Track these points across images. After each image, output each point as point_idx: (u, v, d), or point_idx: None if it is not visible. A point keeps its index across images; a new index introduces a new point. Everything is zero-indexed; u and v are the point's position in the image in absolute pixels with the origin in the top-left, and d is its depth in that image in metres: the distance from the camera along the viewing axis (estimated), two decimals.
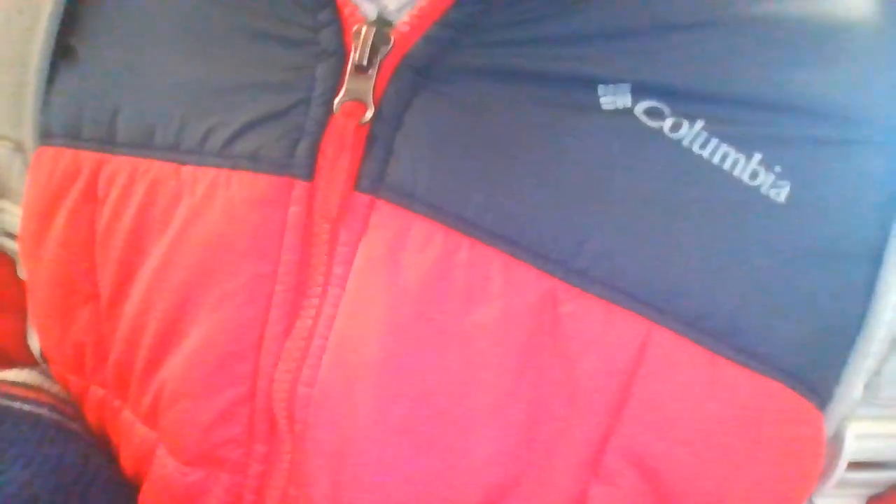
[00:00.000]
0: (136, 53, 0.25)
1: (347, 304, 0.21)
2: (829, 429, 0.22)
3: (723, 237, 0.20)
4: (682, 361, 0.20)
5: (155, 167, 0.24)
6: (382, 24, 0.22)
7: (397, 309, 0.20)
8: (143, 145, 0.24)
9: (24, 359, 0.31)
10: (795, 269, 0.20)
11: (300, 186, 0.22)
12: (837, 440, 0.22)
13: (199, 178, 0.23)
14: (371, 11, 0.22)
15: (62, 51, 0.27)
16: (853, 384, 0.21)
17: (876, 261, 0.21)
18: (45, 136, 0.27)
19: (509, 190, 0.20)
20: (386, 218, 0.21)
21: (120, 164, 0.25)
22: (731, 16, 0.21)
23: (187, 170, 0.23)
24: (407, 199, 0.21)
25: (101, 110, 0.26)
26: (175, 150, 0.24)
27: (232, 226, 0.22)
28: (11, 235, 0.30)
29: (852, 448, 0.22)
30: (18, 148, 0.28)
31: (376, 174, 0.21)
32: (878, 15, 0.22)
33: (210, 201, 0.23)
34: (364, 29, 0.21)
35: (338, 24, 0.22)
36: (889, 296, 0.21)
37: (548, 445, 0.21)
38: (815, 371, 0.21)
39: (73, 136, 0.26)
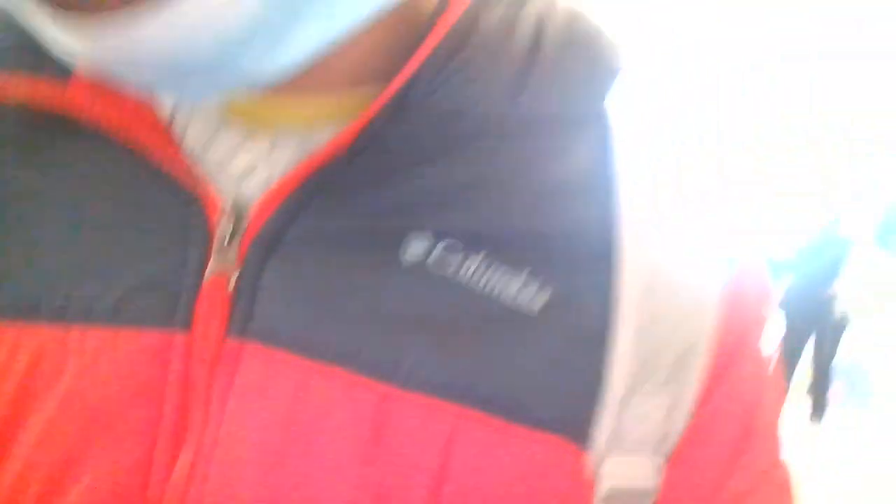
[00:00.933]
0: (8, 229, 0.28)
1: (224, 443, 0.26)
2: (591, 468, 0.29)
3: (505, 336, 0.27)
4: (486, 435, 0.27)
5: (41, 334, 0.27)
6: (240, 208, 0.27)
7: (267, 440, 0.25)
8: (28, 314, 0.27)
9: None
10: (553, 356, 0.28)
11: (179, 341, 0.26)
12: (596, 476, 0.29)
13: (85, 341, 0.26)
14: (231, 196, 0.27)
15: None
16: (604, 430, 0.28)
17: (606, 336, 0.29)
18: None
19: (344, 325, 0.26)
20: (253, 359, 0.26)
21: (3, 332, 0.27)
22: (504, 178, 0.28)
23: (74, 334, 0.26)
24: (270, 341, 0.26)
25: None
26: (61, 318, 0.27)
27: (118, 381, 0.26)
28: None
29: (607, 480, 0.29)
30: None
31: (242, 324, 0.26)
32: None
33: (97, 361, 0.26)
34: (225, 215, 0.27)
35: (204, 212, 0.27)
36: (620, 364, 0.28)
37: None
38: (580, 423, 0.28)
39: None
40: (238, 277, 0.27)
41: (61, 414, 0.26)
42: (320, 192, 0.27)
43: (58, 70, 0.27)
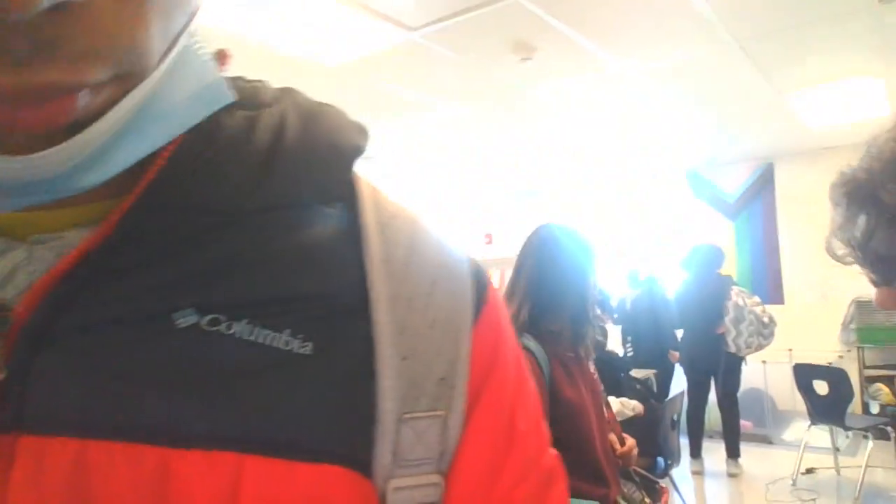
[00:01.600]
0: None
1: None
2: (378, 490, 0.32)
3: (276, 383, 0.31)
4: (270, 475, 0.29)
5: None
6: (4, 310, 0.29)
7: None
8: None
9: None
10: (325, 395, 0.32)
11: None
12: (383, 496, 0.33)
13: None
14: None
15: None
16: (383, 454, 0.32)
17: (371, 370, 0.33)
18: None
19: (119, 398, 0.28)
20: (27, 452, 0.27)
21: None
22: (257, 255, 0.33)
23: None
24: (43, 430, 0.28)
25: None
26: None
27: None
28: None
29: (393, 499, 0.33)
30: None
31: (14, 418, 0.28)
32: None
33: None
34: None
35: None
36: (388, 391, 0.33)
37: None
38: (358, 451, 0.32)
39: None
40: (7, 375, 0.28)
41: None
42: (82, 286, 0.29)
43: None
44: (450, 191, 6.76)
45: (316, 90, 0.38)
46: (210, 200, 0.31)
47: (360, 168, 0.38)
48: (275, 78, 0.39)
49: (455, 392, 0.35)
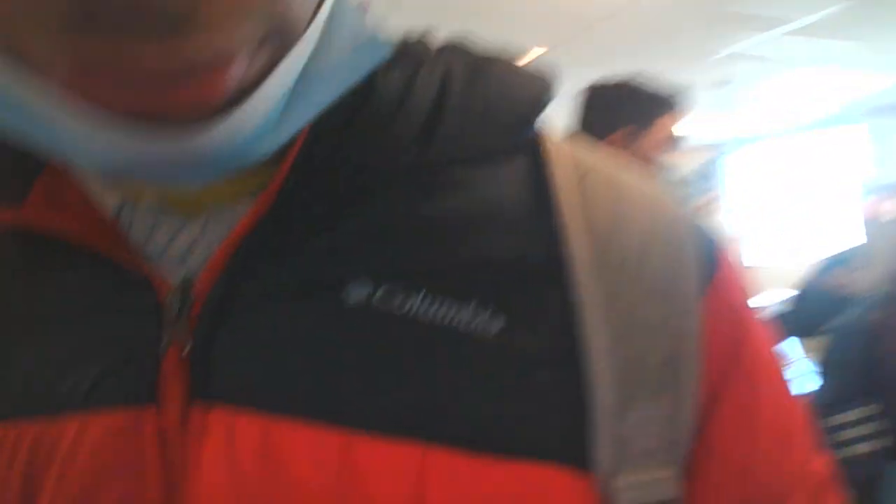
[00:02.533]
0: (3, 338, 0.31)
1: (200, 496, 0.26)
2: (601, 488, 0.28)
3: (461, 368, 0.28)
4: (457, 471, 0.26)
5: (34, 429, 0.28)
6: (186, 285, 0.29)
7: (240, 499, 0.26)
8: (21, 413, 0.29)
9: None
10: (521, 380, 0.28)
11: (147, 417, 0.27)
12: (608, 494, 0.28)
13: (66, 429, 0.28)
14: (178, 276, 0.29)
15: None
16: (604, 447, 0.28)
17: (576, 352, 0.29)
18: None
19: (300, 376, 0.27)
20: (219, 424, 0.27)
21: (6, 434, 0.29)
22: (429, 217, 0.30)
23: (58, 424, 0.28)
24: (232, 403, 0.27)
25: None
26: (47, 411, 0.29)
27: (97, 464, 0.27)
28: None
29: (625, 497, 0.28)
30: None
31: (203, 391, 0.27)
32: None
33: (78, 446, 0.28)
34: (172, 292, 0.29)
35: (155, 294, 0.29)
36: (602, 376, 0.28)
37: None
38: (571, 446, 0.28)
39: None
40: (191, 347, 0.28)
41: (54, 499, 0.28)
42: (255, 257, 0.29)
43: (9, 192, 0.31)
44: None
45: None
46: (370, 157, 0.29)
47: (550, 122, 0.34)
48: None
49: (683, 374, 0.30)
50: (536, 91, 0.33)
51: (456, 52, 0.34)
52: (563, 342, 0.29)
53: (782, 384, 0.33)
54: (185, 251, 0.30)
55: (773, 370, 0.33)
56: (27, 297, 0.32)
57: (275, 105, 0.25)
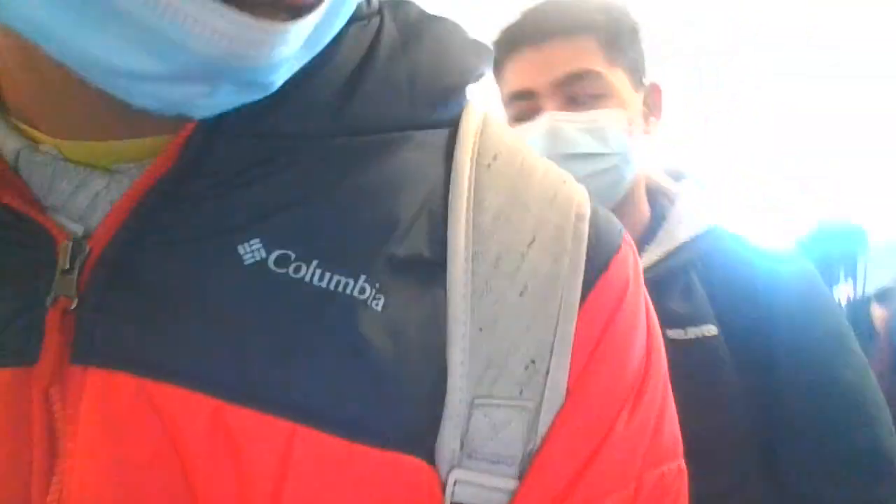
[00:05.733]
0: None
1: (81, 471, 0.26)
2: (441, 480, 0.28)
3: (343, 344, 0.27)
4: (323, 453, 0.26)
5: None
6: (83, 237, 0.28)
7: (112, 470, 0.26)
8: None
9: None
10: (398, 363, 0.28)
11: (33, 375, 0.27)
12: (444, 487, 0.28)
13: None
14: (76, 228, 0.29)
15: None
16: (448, 440, 0.28)
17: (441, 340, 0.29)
18: None
19: (184, 340, 0.27)
20: (94, 386, 0.27)
21: None
22: (337, 187, 0.29)
23: None
24: (110, 364, 0.27)
25: None
26: None
27: None
28: None
29: (453, 491, 0.28)
30: None
31: (85, 350, 0.27)
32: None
33: None
34: (67, 245, 0.28)
35: (52, 247, 0.28)
36: (459, 367, 0.28)
37: None
38: (423, 436, 0.28)
39: None
40: (78, 304, 0.27)
41: None
42: (153, 213, 0.28)
43: None
44: None
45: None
46: (281, 124, 0.28)
47: (479, 95, 0.33)
48: None
49: (549, 381, 0.29)
50: (471, 61, 0.32)
51: (397, 9, 0.32)
52: (430, 332, 0.28)
53: (648, 382, 0.32)
54: (88, 206, 0.29)
55: (639, 368, 0.32)
56: None
57: (308, 33, 0.25)
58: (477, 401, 0.28)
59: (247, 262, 0.28)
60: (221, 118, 0.28)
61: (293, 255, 0.28)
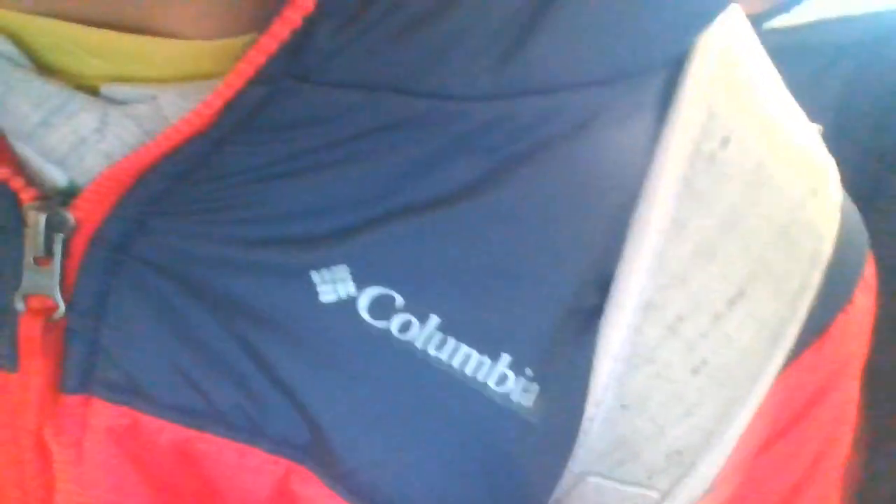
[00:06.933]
0: None
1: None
2: None
3: (467, 460, 0.19)
4: None
5: None
6: (60, 200, 0.18)
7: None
8: None
9: None
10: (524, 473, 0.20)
11: (13, 380, 0.19)
12: None
13: None
14: (58, 180, 0.19)
15: None
16: None
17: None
18: None
19: (236, 384, 0.19)
20: (104, 418, 0.19)
21: None
22: (469, 201, 0.18)
23: None
24: (126, 395, 0.19)
25: None
26: None
27: None
28: None
29: None
30: None
31: (82, 373, 0.19)
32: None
33: None
34: (36, 211, 0.18)
35: (15, 207, 0.18)
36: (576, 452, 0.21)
37: None
38: None
39: None
40: (68, 310, 0.19)
41: None
42: (175, 189, 0.18)
43: None
44: None
45: None
46: (403, 75, 0.17)
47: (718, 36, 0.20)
48: None
49: (691, 474, 0.21)
50: None
51: None
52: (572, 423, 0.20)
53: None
54: (68, 149, 0.18)
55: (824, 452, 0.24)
56: None
57: None
58: (590, 478, 0.21)
59: (324, 300, 0.18)
60: (312, 45, 0.16)
61: (399, 301, 0.18)
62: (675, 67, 0.20)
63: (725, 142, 0.20)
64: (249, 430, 0.19)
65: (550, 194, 0.19)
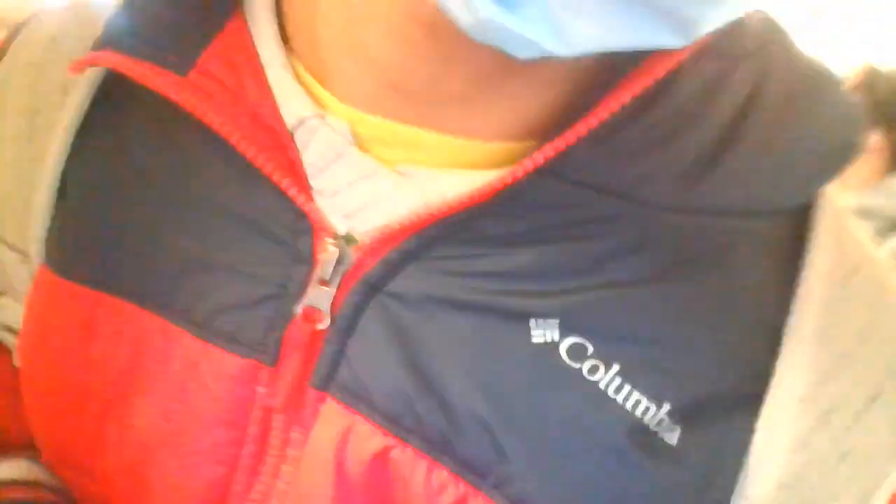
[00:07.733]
0: (128, 209, 0.28)
1: (298, 485, 0.25)
2: None
3: (615, 476, 0.23)
4: None
5: (144, 321, 0.27)
6: (347, 242, 0.25)
7: (339, 500, 0.24)
8: (135, 295, 0.27)
9: (18, 435, 0.34)
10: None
11: (266, 371, 0.26)
12: None
13: (180, 345, 0.26)
14: (340, 227, 0.25)
15: (62, 188, 0.29)
16: None
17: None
18: (48, 260, 0.29)
19: (441, 403, 0.24)
20: (333, 414, 0.25)
21: (114, 307, 0.28)
22: (671, 278, 0.24)
23: (173, 334, 0.27)
24: (353, 399, 0.25)
25: (95, 254, 0.28)
26: (164, 309, 0.27)
27: (202, 395, 0.26)
28: (11, 330, 0.33)
29: None
30: (25, 260, 0.31)
31: (327, 373, 0.25)
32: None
33: (190, 372, 0.26)
34: (331, 248, 0.25)
35: (311, 238, 0.25)
36: None
37: None
38: None
39: (70, 271, 0.29)
40: (333, 319, 0.25)
41: (148, 411, 0.27)
42: (436, 245, 0.24)
43: (177, 62, 0.26)
44: None
45: None
46: (626, 186, 0.23)
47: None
48: None
49: None
50: (852, 134, 0.25)
51: (774, 48, 0.25)
52: (717, 479, 0.24)
53: None
54: (360, 205, 0.25)
55: None
56: (170, 174, 0.28)
57: None
58: None
59: (535, 340, 0.24)
60: (563, 159, 0.23)
61: (591, 350, 0.23)
62: (800, 208, 0.26)
63: (855, 270, 0.25)
64: (441, 447, 0.24)
65: (715, 289, 0.24)
